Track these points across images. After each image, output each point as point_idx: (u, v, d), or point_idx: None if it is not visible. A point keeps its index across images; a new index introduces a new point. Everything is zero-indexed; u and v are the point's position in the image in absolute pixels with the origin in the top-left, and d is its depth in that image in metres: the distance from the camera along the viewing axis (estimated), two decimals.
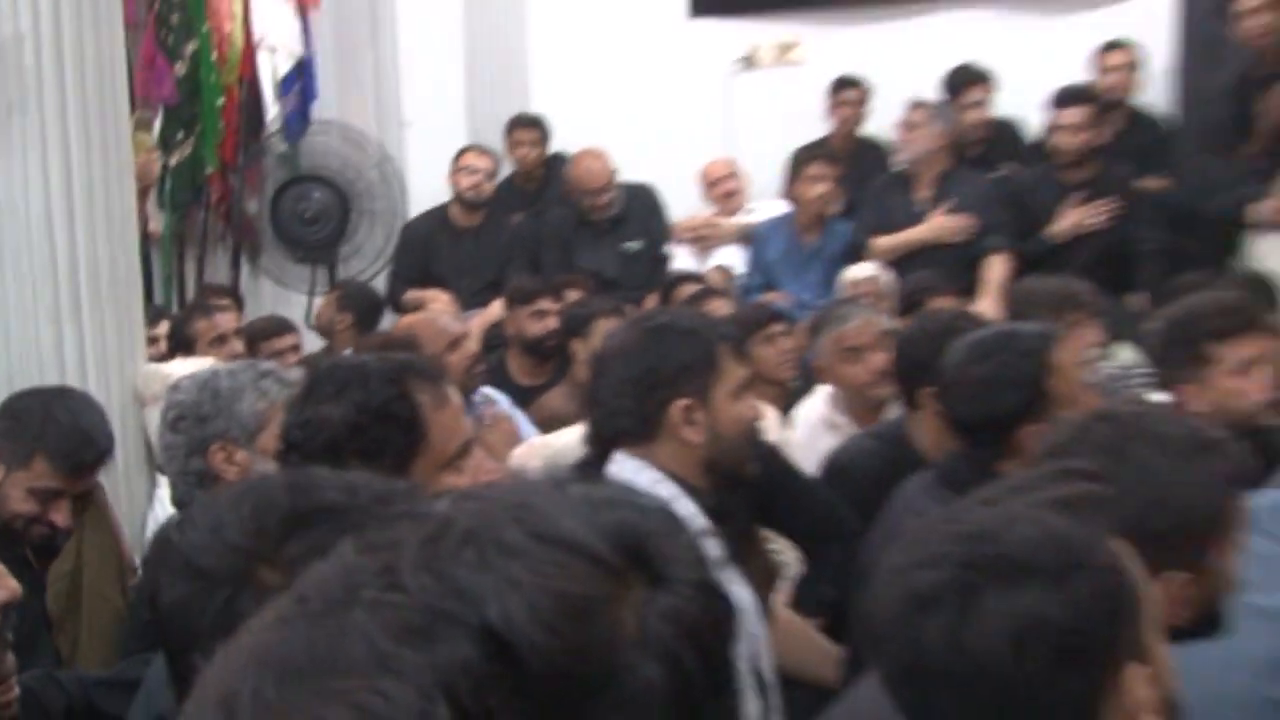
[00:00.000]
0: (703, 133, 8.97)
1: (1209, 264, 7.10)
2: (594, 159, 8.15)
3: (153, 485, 4.53)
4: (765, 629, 3.22)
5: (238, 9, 8.12)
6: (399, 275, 8.29)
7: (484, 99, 9.11)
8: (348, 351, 5.69)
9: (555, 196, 8.52)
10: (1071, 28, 8.94)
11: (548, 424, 5.18)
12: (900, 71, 8.63)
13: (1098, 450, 2.27)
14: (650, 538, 1.02)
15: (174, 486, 3.40)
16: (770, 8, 9.42)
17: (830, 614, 3.89)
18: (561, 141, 8.78)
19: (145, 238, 6.61)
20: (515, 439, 4.98)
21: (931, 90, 8.25)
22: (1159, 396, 4.03)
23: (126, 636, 3.64)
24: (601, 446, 3.15)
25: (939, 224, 7.48)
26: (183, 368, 4.36)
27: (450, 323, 5.41)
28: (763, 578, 3.72)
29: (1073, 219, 7.38)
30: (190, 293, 8.02)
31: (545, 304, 6.39)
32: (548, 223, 8.37)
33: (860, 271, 6.96)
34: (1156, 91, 8.79)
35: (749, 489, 3.44)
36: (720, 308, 6.29)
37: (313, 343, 7.35)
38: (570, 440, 3.88)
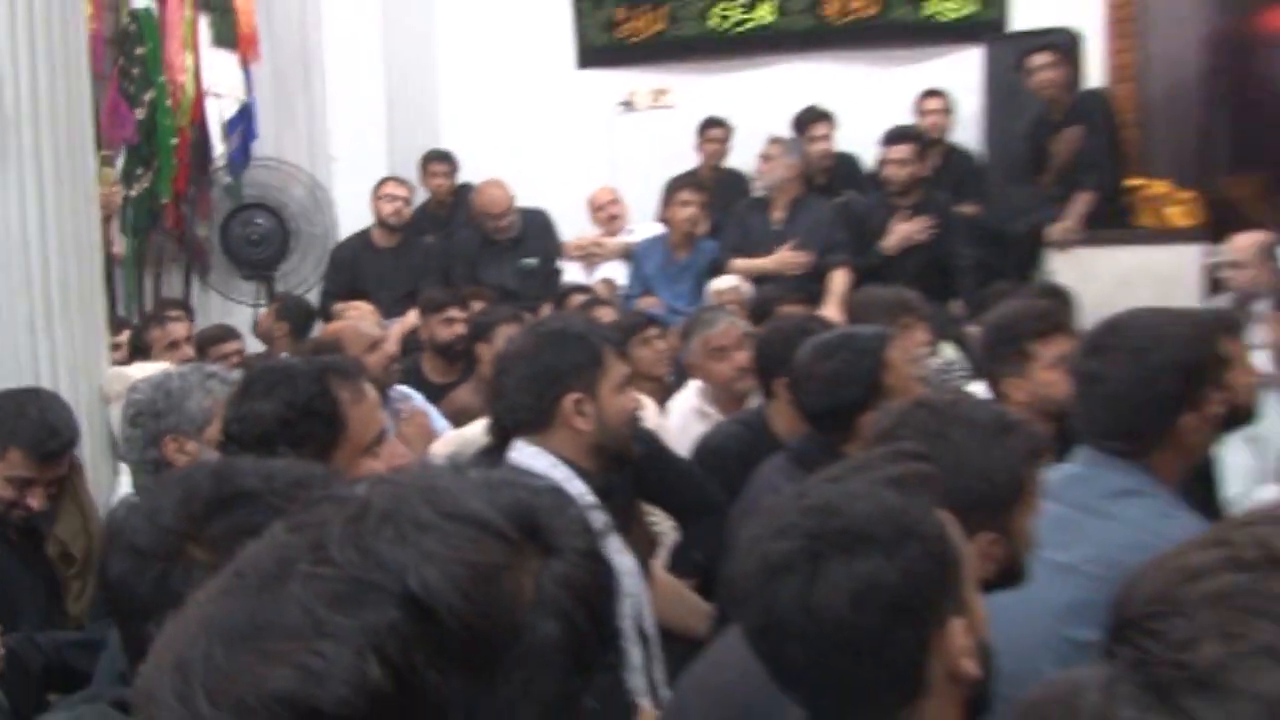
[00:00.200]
0: (589, 165, 9.01)
1: (1014, 276, 7.21)
2: (496, 188, 8.14)
3: (116, 473, 4.47)
4: (646, 589, 3.21)
5: (189, 63, 8.07)
6: (329, 289, 8.22)
7: (401, 137, 9.09)
8: (284, 356, 5.64)
9: (463, 220, 8.49)
10: (897, 77, 9.05)
11: (457, 416, 5.15)
12: (757, 112, 8.71)
13: (920, 433, 2.29)
14: (542, 513, 1.02)
15: (134, 474, 3.36)
16: (645, 60, 9.48)
17: (701, 576, 3.89)
18: (468, 173, 8.76)
19: (109, 259, 6.54)
20: (428, 431, 4.96)
21: (784, 128, 8.31)
22: (976, 387, 4.07)
23: (95, 602, 3.60)
24: (504, 435, 3.13)
25: (784, 258, 7.50)
26: (141, 370, 4.31)
27: (370, 328, 5.38)
28: (644, 545, 3.72)
29: (900, 233, 7.44)
30: (148, 305, 7.92)
31: (454, 313, 6.35)
32: (456, 243, 8.34)
33: (724, 283, 6.98)
34: (968, 132, 8.91)
35: (631, 469, 3.44)
36: (605, 315, 6.29)
37: (255, 348, 7.28)
38: (478, 430, 3.86)
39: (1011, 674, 2.00)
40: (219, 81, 8.48)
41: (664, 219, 8.13)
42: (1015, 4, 9.20)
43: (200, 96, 8.22)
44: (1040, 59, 7.81)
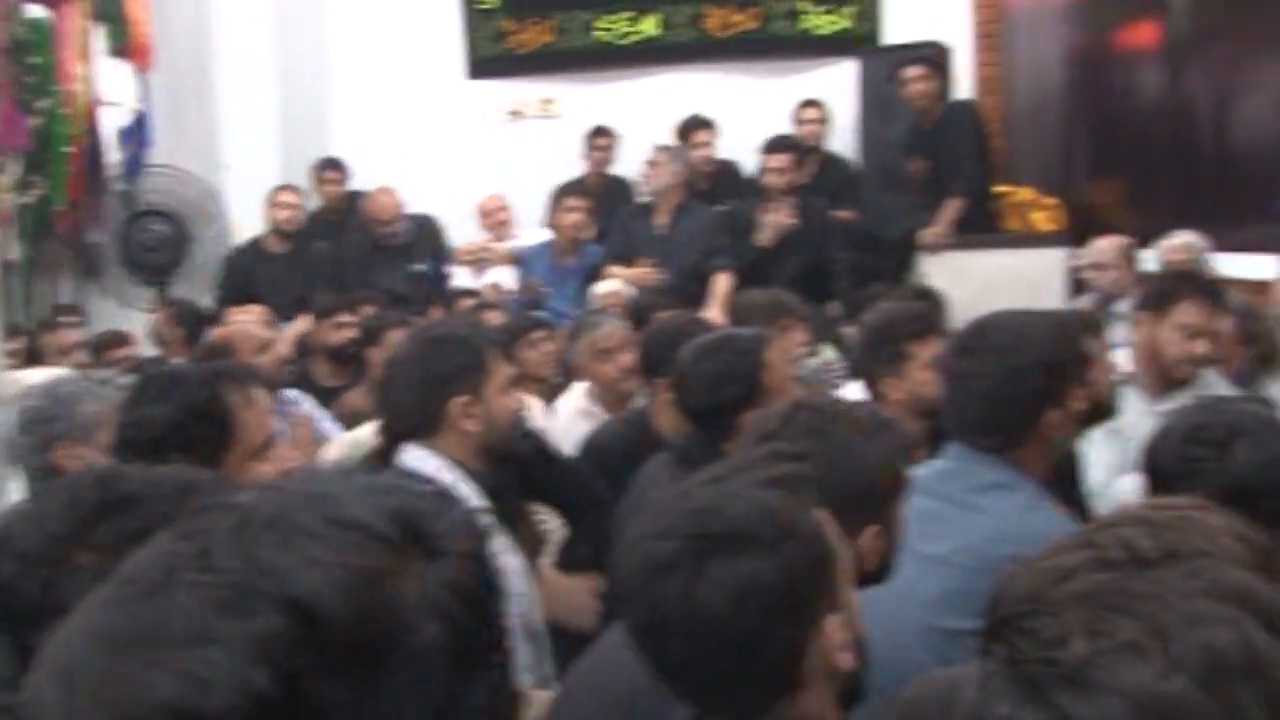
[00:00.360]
0: (478, 172, 8.97)
1: (889, 279, 7.29)
2: (386, 195, 8.10)
3: (7, 479, 4.37)
4: (533, 587, 3.20)
5: (84, 72, 7.94)
6: (223, 295, 8.12)
7: (294, 145, 8.99)
8: (176, 360, 5.56)
9: (354, 226, 8.42)
10: (777, 87, 9.13)
11: (348, 419, 5.10)
12: (641, 121, 8.74)
13: (803, 432, 2.30)
14: (425, 517, 1.01)
15: (28, 480, 3.29)
16: (533, 70, 9.48)
17: (589, 571, 3.88)
18: (360, 180, 8.70)
19: (4, 265, 6.40)
20: (315, 436, 4.90)
21: (668, 136, 8.35)
22: (853, 387, 4.10)
23: None
24: (394, 439, 3.12)
25: (637, 273, 7.52)
26: (35, 376, 4.21)
27: (259, 330, 5.32)
28: (532, 543, 3.70)
29: (771, 224, 7.47)
30: (43, 312, 7.78)
31: (345, 317, 6.29)
32: (347, 249, 8.28)
33: (606, 287, 6.99)
34: (844, 140, 9.01)
35: (519, 469, 3.43)
36: (494, 318, 6.28)
37: (152, 353, 7.18)
38: (368, 433, 3.83)
39: (886, 663, 2.01)
40: (114, 90, 8.35)
41: (551, 225, 8.13)
42: (887, 19, 9.32)
43: (94, 105, 8.09)
44: (912, 71, 7.91)
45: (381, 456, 3.11)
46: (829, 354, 5.70)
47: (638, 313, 5.62)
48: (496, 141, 9.35)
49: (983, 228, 7.94)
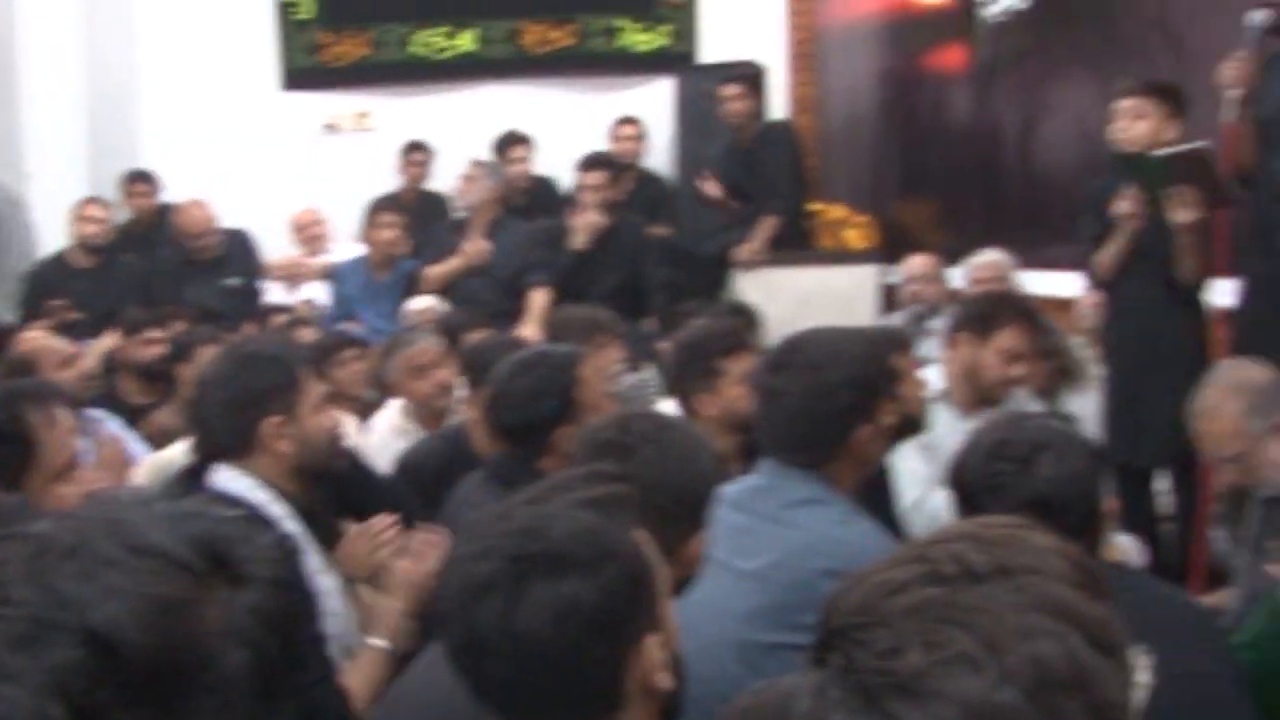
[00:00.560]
0: (292, 186, 8.82)
1: (704, 295, 7.35)
2: (197, 208, 7.94)
3: None
4: (349, 606, 3.16)
5: None
6: (26, 310, 7.87)
7: (102, 155, 8.78)
8: None
9: (164, 240, 8.24)
10: (593, 104, 9.16)
11: (157, 438, 4.98)
12: (458, 136, 8.71)
13: (642, 440, 2.40)
14: (229, 543, 0.99)
15: None
16: (348, 83, 9.37)
17: None
18: (171, 193, 8.50)
19: None
20: (121, 457, 4.77)
21: (484, 151, 8.33)
22: (667, 404, 4.13)
23: None
24: (205, 459, 3.05)
25: (469, 252, 7.53)
26: None
27: (61, 343, 5.18)
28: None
29: (582, 226, 7.48)
30: None
31: (154, 333, 6.15)
32: (157, 263, 8.09)
33: (421, 303, 6.95)
34: (660, 157, 9.08)
35: (333, 487, 3.38)
36: (307, 335, 6.19)
37: None
38: (178, 452, 3.75)
39: (701, 678, 2.03)
40: None
41: (365, 240, 8.04)
42: (704, 38, 9.42)
43: None
44: (729, 90, 8.00)
45: (192, 477, 3.05)
46: (645, 371, 5.73)
47: (449, 330, 5.56)
48: (311, 155, 9.23)
49: (797, 245, 8.06)
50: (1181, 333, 4.49)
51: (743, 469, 3.63)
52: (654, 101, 9.16)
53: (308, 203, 8.58)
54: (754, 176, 8.01)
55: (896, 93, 8.37)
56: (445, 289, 7.42)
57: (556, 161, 8.55)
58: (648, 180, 8.82)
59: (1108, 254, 4.59)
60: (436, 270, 7.50)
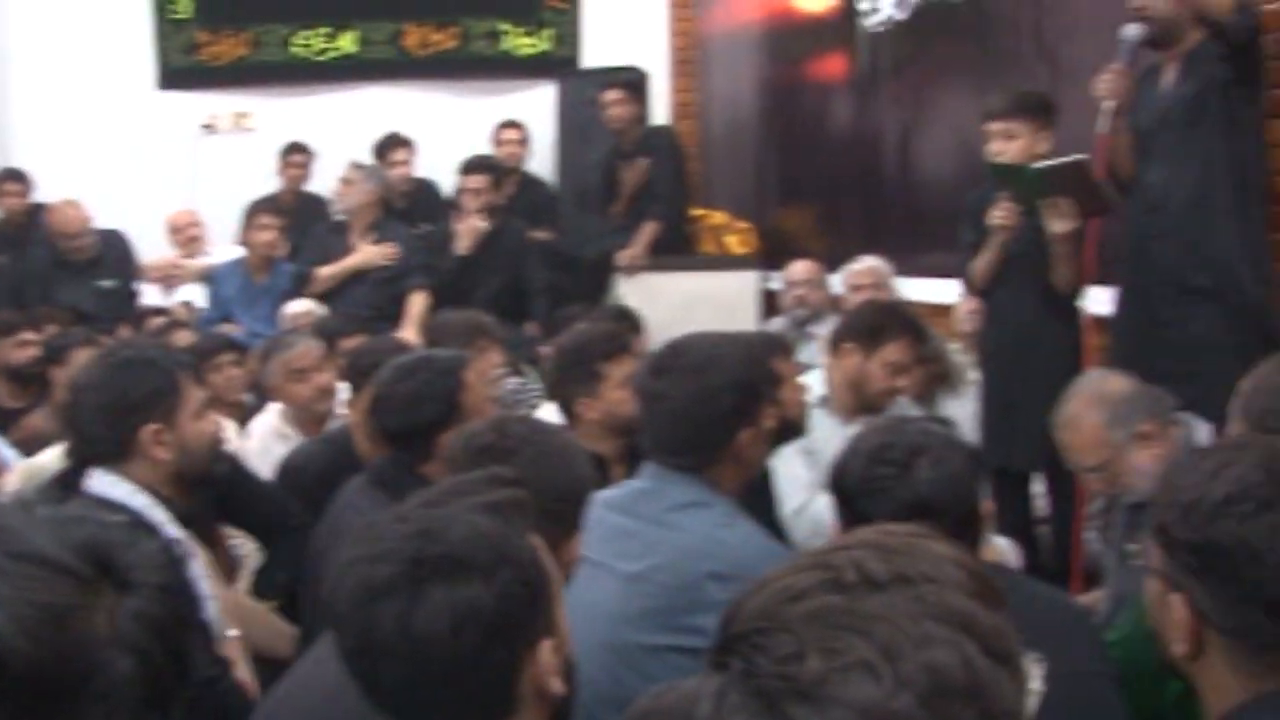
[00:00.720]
0: (169, 186, 8.71)
1: (586, 300, 7.36)
2: (71, 208, 7.77)
3: None
4: (225, 614, 3.12)
5: None
6: None
7: None
8: None
9: (37, 240, 8.06)
10: (476, 107, 9.13)
11: (29, 443, 4.88)
12: (338, 137, 8.63)
13: (521, 441, 2.43)
14: (115, 549, 0.98)
15: None
16: (227, 83, 9.24)
17: (285, 597, 3.81)
18: (44, 192, 8.32)
19: None
20: None
21: (365, 154, 8.27)
22: (548, 408, 4.13)
23: None
24: (80, 464, 3.00)
25: (368, 252, 7.48)
26: None
27: None
28: (226, 569, 3.62)
29: (465, 230, 7.46)
30: None
31: (27, 335, 6.04)
32: (29, 263, 7.92)
33: (299, 306, 6.87)
34: (542, 162, 9.08)
35: (213, 493, 3.34)
36: (184, 338, 6.10)
37: None
38: (52, 458, 3.69)
39: (588, 681, 2.04)
40: None
41: (243, 242, 7.94)
42: (587, 43, 9.44)
43: None
44: (611, 95, 8.02)
45: (66, 483, 2.99)
46: (526, 375, 5.73)
47: (326, 334, 5.51)
48: (188, 155, 9.08)
49: (678, 250, 8.10)
50: (1056, 339, 4.58)
51: (625, 472, 3.66)
52: (536, 106, 9.16)
53: (185, 203, 8.47)
54: (649, 165, 8.03)
55: (777, 100, 8.45)
56: (323, 293, 7.33)
57: (438, 165, 8.52)
58: (530, 184, 8.82)
59: (983, 262, 4.66)
60: (326, 271, 7.42)
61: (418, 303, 7.29)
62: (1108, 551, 3.65)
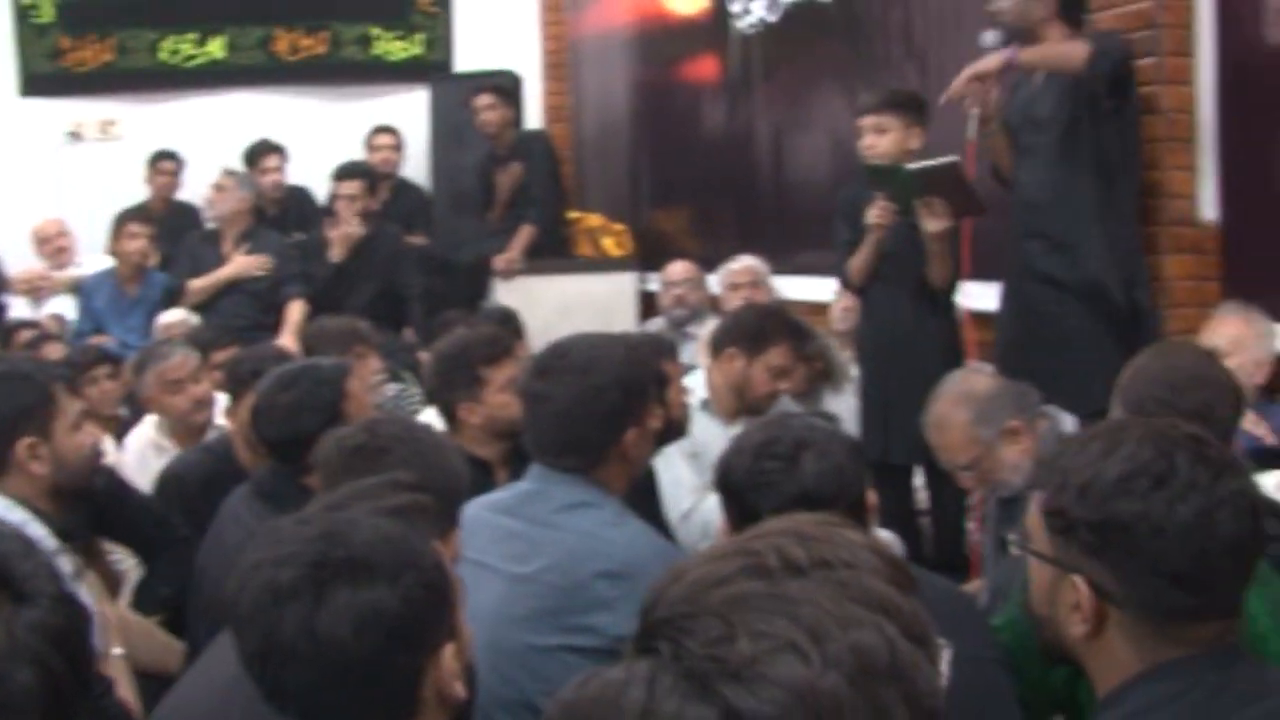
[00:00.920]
0: (35, 196, 8.52)
1: (463, 304, 7.35)
2: None
3: None
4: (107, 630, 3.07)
5: None
6: None
7: None
8: None
9: None
10: (348, 112, 9.08)
11: None
12: (208, 145, 8.51)
13: (393, 441, 2.48)
14: (8, 560, 0.97)
15: None
16: (93, 90, 9.06)
17: (168, 611, 3.76)
18: None
19: None
20: None
21: (236, 161, 8.16)
22: (428, 414, 4.11)
23: None
24: None
25: (240, 262, 7.39)
26: None
27: None
28: (107, 584, 3.56)
29: (338, 238, 7.41)
30: None
31: None
32: None
33: (172, 316, 6.76)
34: (416, 166, 9.03)
35: (91, 507, 3.29)
36: (54, 351, 5.98)
37: None
38: None
39: (485, 683, 2.04)
40: None
41: (112, 252, 7.79)
42: (459, 47, 9.41)
43: None
44: (484, 100, 8.01)
45: None
46: (405, 381, 5.70)
47: (200, 345, 5.43)
48: (53, 164, 8.91)
49: (555, 253, 8.11)
50: (932, 335, 4.66)
51: (509, 476, 3.66)
52: (409, 110, 9.11)
53: (52, 213, 8.28)
54: (522, 170, 8.03)
55: (650, 103, 8.49)
56: (197, 304, 7.22)
57: (311, 171, 8.44)
58: (404, 189, 8.77)
59: (860, 260, 4.73)
60: (199, 282, 7.32)
61: (295, 311, 7.22)
62: (986, 542, 3.73)
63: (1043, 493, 1.73)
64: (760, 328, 4.36)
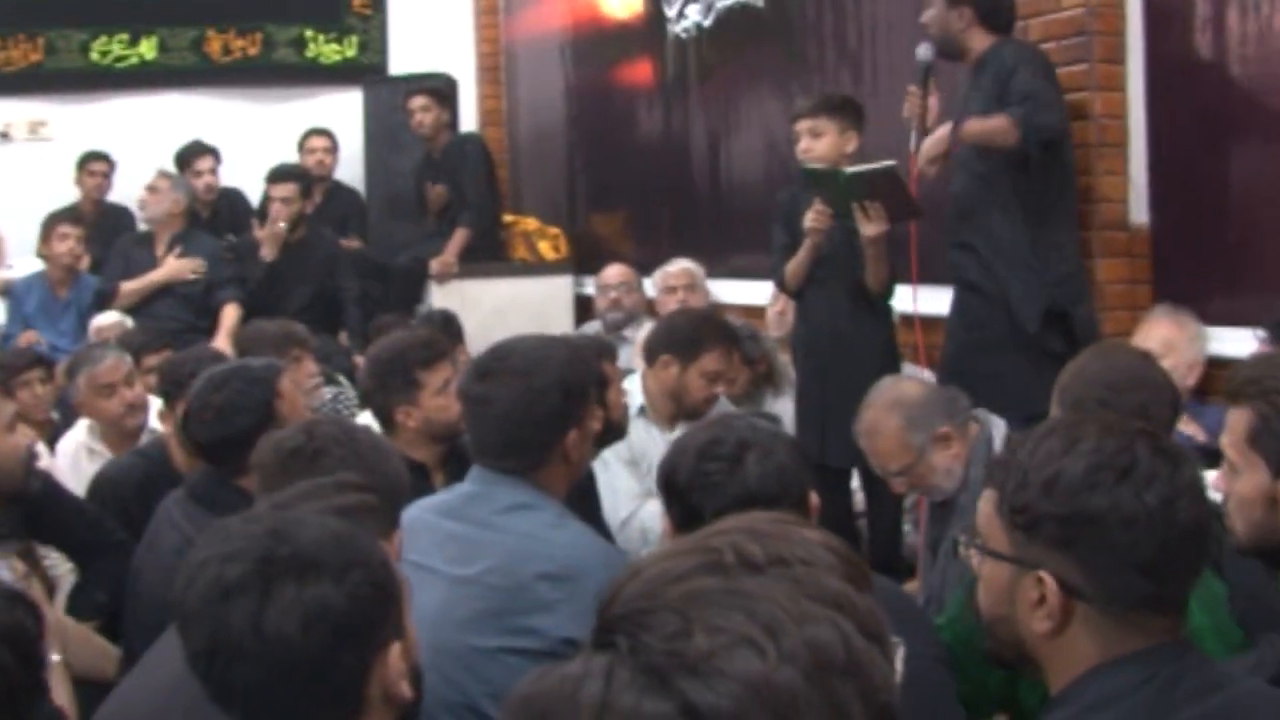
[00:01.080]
0: None
1: (399, 308, 7.32)
2: None
3: None
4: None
5: None
6: None
7: None
8: None
9: None
10: (282, 115, 9.01)
11: None
12: (140, 146, 8.41)
13: (331, 442, 2.48)
14: None
15: None
16: (21, 90, 8.92)
17: (104, 616, 3.72)
18: None
19: None
20: None
21: (168, 162, 8.08)
22: (364, 417, 4.10)
23: None
24: None
25: (173, 266, 7.33)
26: None
27: None
28: (42, 589, 3.52)
29: (268, 236, 7.36)
30: None
31: None
32: None
33: (106, 319, 6.68)
34: (351, 169, 8.97)
35: (26, 511, 3.25)
36: None
37: None
38: None
39: (428, 685, 2.03)
40: None
41: (42, 254, 7.70)
42: (393, 50, 9.36)
43: None
44: (419, 101, 7.98)
45: None
46: (341, 384, 5.68)
47: (132, 349, 5.37)
48: None
49: (491, 256, 8.10)
50: (869, 339, 4.68)
51: (445, 479, 3.65)
52: (343, 113, 9.05)
53: None
54: (447, 188, 8.01)
55: (585, 106, 8.49)
56: (129, 308, 7.15)
57: (244, 173, 8.37)
58: (339, 192, 8.72)
59: (796, 263, 4.74)
60: (131, 285, 7.26)
61: (230, 315, 7.18)
62: (922, 547, 3.76)
63: (995, 492, 1.74)
64: (694, 334, 4.39)
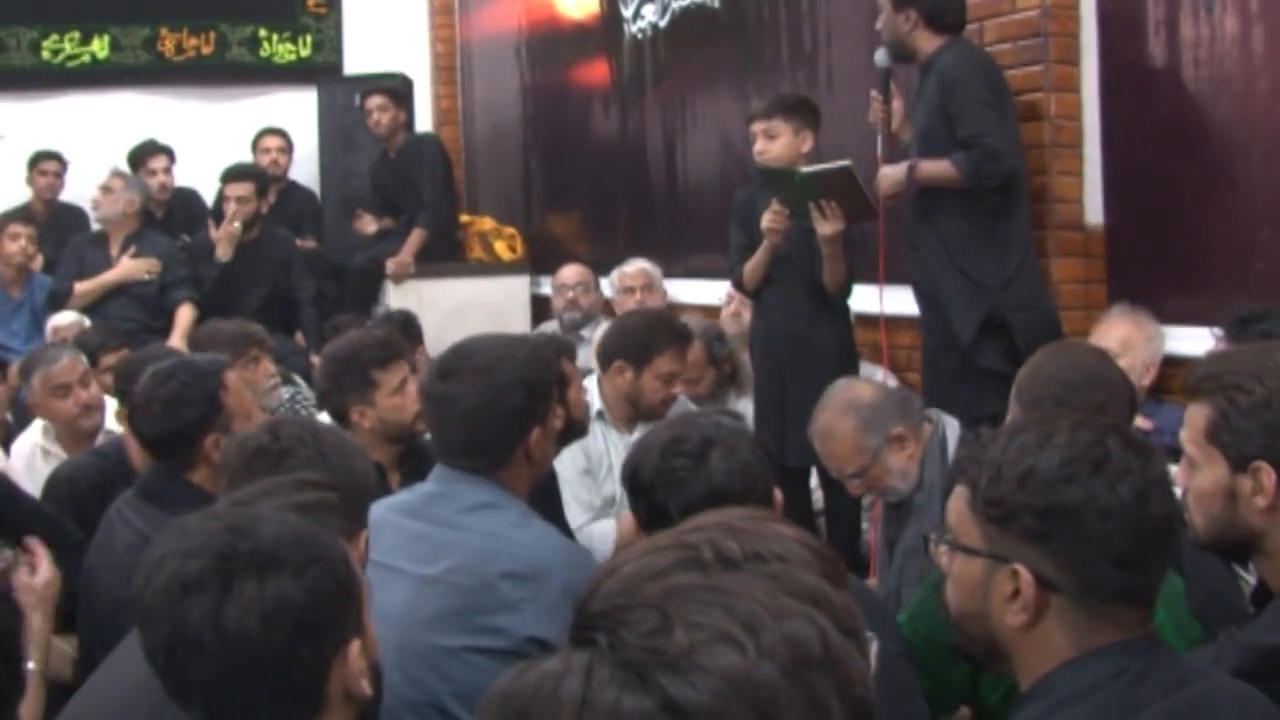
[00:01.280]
0: None
1: (355, 308, 7.30)
2: None
3: None
4: None
5: None
6: None
7: None
8: None
9: None
10: (236, 114, 8.98)
11: None
12: (93, 145, 8.33)
13: (297, 441, 2.48)
14: None
15: None
16: None
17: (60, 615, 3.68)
18: None
19: None
20: None
21: (122, 162, 8.02)
22: (321, 417, 4.08)
23: None
24: None
25: (128, 266, 7.28)
26: None
27: None
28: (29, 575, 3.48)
29: (222, 236, 7.33)
30: None
31: None
32: None
33: (64, 319, 6.63)
34: (306, 169, 8.93)
35: None
36: None
37: None
38: None
39: (392, 685, 2.03)
40: None
41: None
42: (349, 49, 9.32)
43: None
44: (376, 100, 7.96)
45: None
46: (298, 385, 5.66)
47: (87, 349, 5.33)
48: None
49: (448, 256, 8.08)
50: (826, 338, 4.70)
51: (402, 479, 3.64)
52: (298, 112, 9.00)
53: None
54: (403, 188, 8.00)
55: (541, 106, 8.49)
56: (83, 308, 7.09)
57: (198, 173, 8.32)
58: (293, 192, 8.68)
59: (754, 263, 4.76)
60: (85, 286, 7.20)
61: (184, 316, 7.14)
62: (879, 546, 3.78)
63: (967, 489, 1.75)
64: (645, 337, 4.39)
